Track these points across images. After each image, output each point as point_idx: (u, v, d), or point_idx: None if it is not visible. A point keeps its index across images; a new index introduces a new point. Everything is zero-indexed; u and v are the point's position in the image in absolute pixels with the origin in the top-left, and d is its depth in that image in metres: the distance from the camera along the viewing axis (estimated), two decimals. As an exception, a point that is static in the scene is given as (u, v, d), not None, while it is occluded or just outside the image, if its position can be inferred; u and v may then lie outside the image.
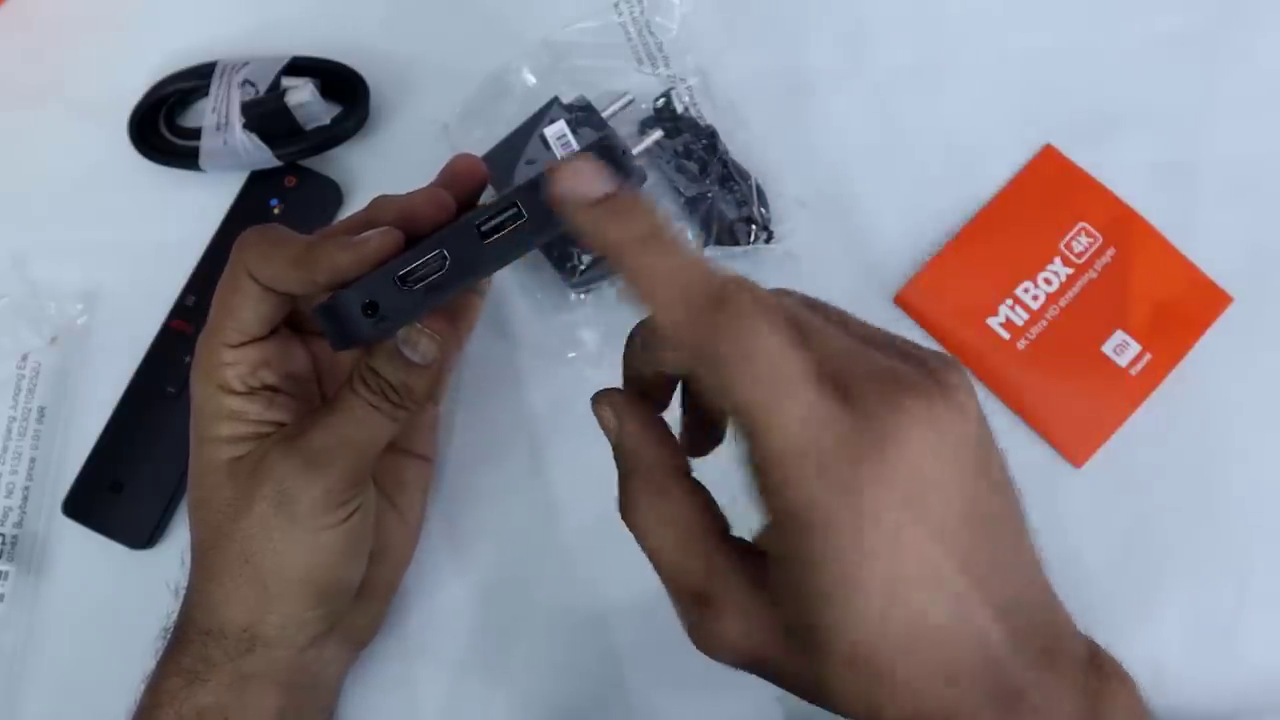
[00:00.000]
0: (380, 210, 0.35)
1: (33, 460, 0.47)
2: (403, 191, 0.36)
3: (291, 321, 0.39)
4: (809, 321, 0.26)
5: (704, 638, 0.28)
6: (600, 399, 0.31)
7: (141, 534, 0.46)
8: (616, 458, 0.30)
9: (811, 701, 0.27)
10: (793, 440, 0.24)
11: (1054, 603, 0.27)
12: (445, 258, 0.32)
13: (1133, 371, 0.44)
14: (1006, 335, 0.45)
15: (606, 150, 0.32)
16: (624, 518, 0.29)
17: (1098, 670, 0.26)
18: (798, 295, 0.29)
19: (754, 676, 0.43)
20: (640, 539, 0.29)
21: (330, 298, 0.32)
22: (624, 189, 0.27)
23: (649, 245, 0.26)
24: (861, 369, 0.25)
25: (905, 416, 0.24)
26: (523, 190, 0.32)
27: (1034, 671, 0.25)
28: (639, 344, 0.31)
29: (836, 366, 0.25)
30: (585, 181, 0.28)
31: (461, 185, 0.37)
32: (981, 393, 0.36)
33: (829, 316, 0.28)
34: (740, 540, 0.29)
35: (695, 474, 0.30)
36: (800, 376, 0.24)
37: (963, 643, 0.24)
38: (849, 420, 0.24)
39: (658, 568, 0.29)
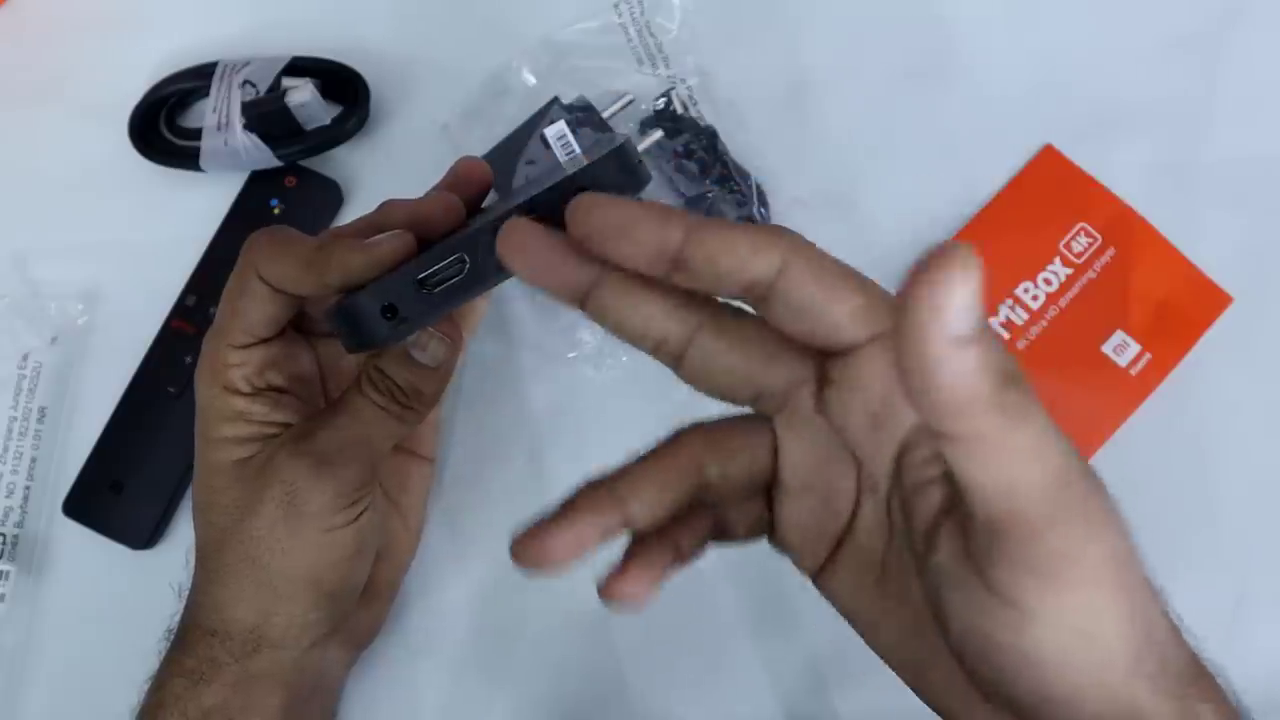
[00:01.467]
0: (389, 214, 0.35)
1: (33, 460, 0.47)
2: (404, 191, 0.36)
3: (296, 322, 0.39)
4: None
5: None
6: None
7: (142, 534, 0.46)
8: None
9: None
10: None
11: (1169, 619, 0.26)
12: (465, 262, 0.32)
13: (1133, 371, 0.44)
14: (1006, 335, 0.45)
15: (624, 155, 0.32)
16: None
17: (1196, 680, 0.26)
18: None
19: (751, 676, 0.43)
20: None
21: (348, 299, 0.32)
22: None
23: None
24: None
25: None
26: (543, 196, 0.32)
27: (1155, 695, 0.24)
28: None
29: None
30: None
31: (467, 188, 0.36)
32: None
33: None
34: None
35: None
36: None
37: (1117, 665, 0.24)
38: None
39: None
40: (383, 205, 0.36)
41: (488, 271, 0.32)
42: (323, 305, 0.34)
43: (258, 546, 0.36)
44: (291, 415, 0.38)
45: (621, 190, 0.32)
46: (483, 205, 0.38)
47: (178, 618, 0.38)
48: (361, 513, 0.37)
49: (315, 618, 0.37)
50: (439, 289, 0.31)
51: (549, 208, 0.31)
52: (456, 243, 0.32)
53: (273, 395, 0.37)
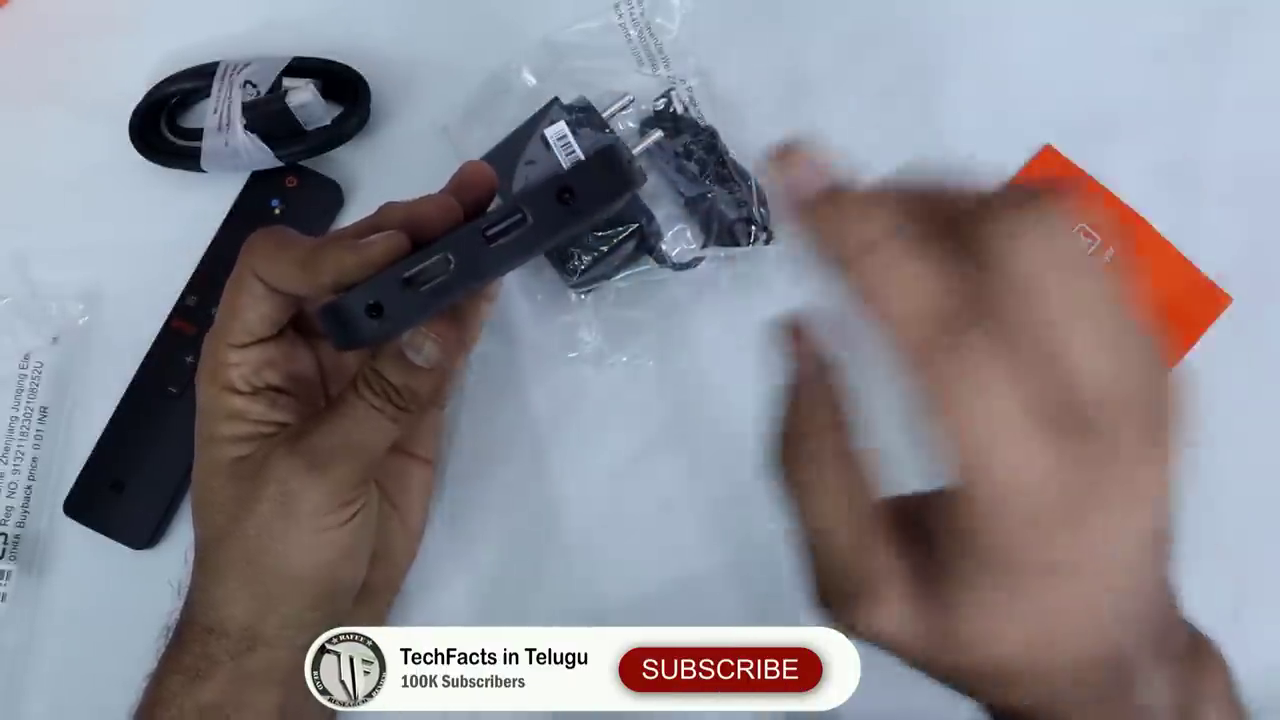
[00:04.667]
0: (387, 215, 0.36)
1: (34, 460, 0.47)
2: (405, 192, 0.36)
3: (297, 323, 0.39)
4: (1103, 303, 0.23)
5: (847, 621, 0.26)
6: (789, 329, 0.28)
7: (142, 534, 0.46)
8: (784, 401, 0.27)
9: (937, 679, 0.27)
10: (999, 500, 0.22)
11: (1170, 597, 0.27)
12: (450, 261, 0.32)
13: (1133, 371, 0.44)
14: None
15: (613, 157, 0.32)
16: (776, 474, 0.27)
17: (1195, 660, 0.27)
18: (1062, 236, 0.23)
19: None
20: (792, 502, 0.27)
21: (334, 298, 0.32)
22: (844, 182, 0.24)
23: (880, 252, 0.23)
24: (1140, 396, 0.22)
25: (1148, 468, 0.23)
26: (528, 195, 0.32)
27: (1144, 669, 0.26)
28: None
29: (1112, 384, 0.22)
30: (804, 174, 0.24)
31: (471, 192, 0.37)
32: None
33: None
34: (905, 509, 0.27)
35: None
36: (1022, 433, 0.22)
37: (1097, 652, 0.25)
38: (1076, 462, 0.22)
39: (809, 537, 0.26)
40: (382, 207, 0.36)
41: (474, 271, 0.32)
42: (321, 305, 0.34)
43: (253, 545, 0.36)
44: (290, 415, 0.38)
45: (613, 190, 0.32)
46: (489, 210, 0.38)
47: (176, 615, 0.39)
48: (356, 513, 0.37)
49: (310, 618, 0.37)
50: (425, 288, 0.32)
51: (536, 208, 0.32)
52: (443, 242, 0.32)
53: (271, 394, 0.37)
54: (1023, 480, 0.22)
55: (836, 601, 0.26)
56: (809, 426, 0.26)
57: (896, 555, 0.26)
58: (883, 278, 0.23)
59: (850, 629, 0.26)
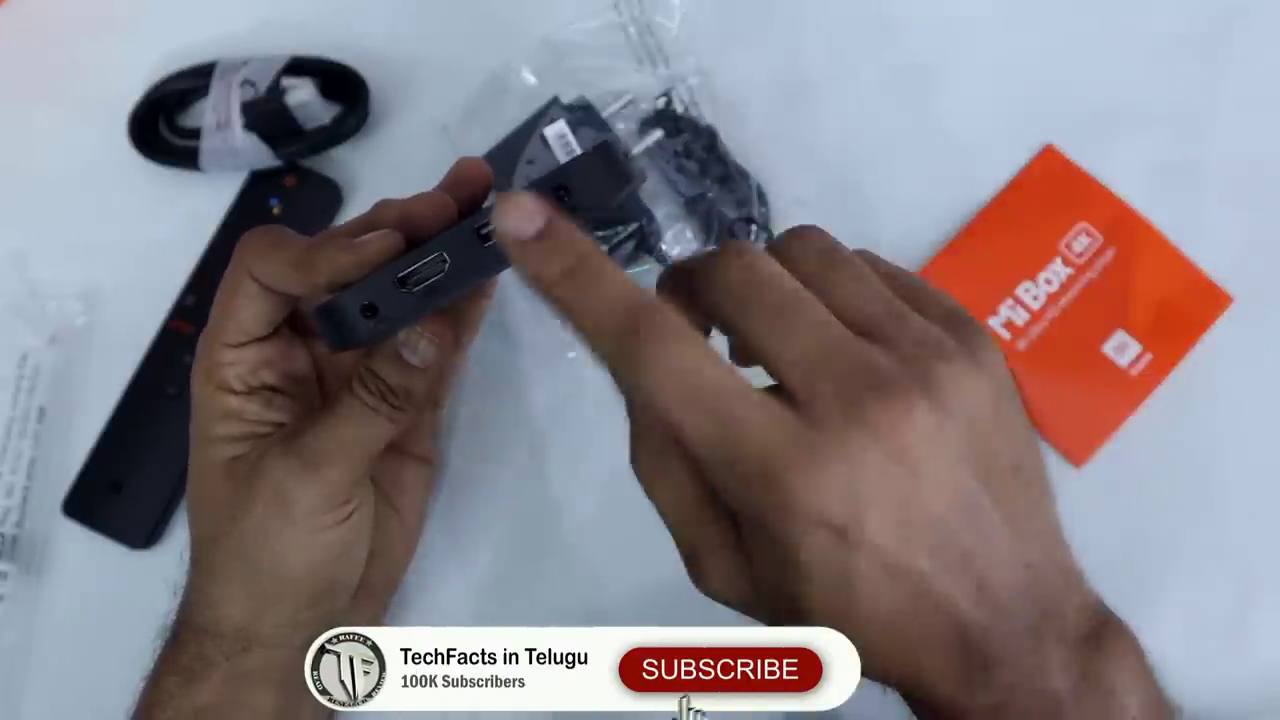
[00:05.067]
0: (382, 213, 0.35)
1: (33, 460, 0.47)
2: (404, 192, 0.36)
3: (293, 322, 0.39)
4: (792, 302, 0.27)
5: (694, 583, 0.30)
6: None
7: (141, 534, 0.46)
8: (625, 407, 0.31)
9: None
10: (722, 453, 0.26)
11: (1056, 578, 0.27)
12: (445, 260, 0.32)
13: (1133, 371, 0.44)
14: (1007, 335, 0.45)
15: (608, 153, 0.32)
16: (632, 468, 0.30)
17: (1096, 643, 0.27)
18: (813, 249, 0.29)
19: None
20: (644, 491, 0.30)
21: (328, 299, 0.32)
22: (557, 222, 0.27)
23: (571, 279, 0.27)
24: (828, 369, 0.26)
25: (858, 429, 0.25)
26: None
27: (1016, 645, 0.26)
28: None
29: (803, 363, 0.26)
30: (517, 218, 0.27)
31: (465, 189, 0.36)
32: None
33: (846, 273, 0.28)
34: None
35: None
36: (729, 392, 0.26)
37: (926, 621, 0.26)
38: (791, 430, 0.25)
39: (661, 517, 0.30)
40: (376, 205, 0.36)
41: (469, 271, 0.32)
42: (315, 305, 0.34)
43: (248, 545, 0.36)
44: (285, 415, 0.38)
45: (609, 188, 0.32)
46: (484, 206, 0.38)
47: (172, 615, 0.38)
48: (352, 513, 0.37)
49: (306, 617, 0.37)
50: (419, 288, 0.32)
51: None
52: (438, 242, 0.32)
53: (266, 394, 0.37)
54: (758, 454, 0.25)
55: (685, 567, 0.30)
56: (646, 428, 0.30)
57: (723, 529, 0.29)
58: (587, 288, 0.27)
59: (697, 589, 0.30)
